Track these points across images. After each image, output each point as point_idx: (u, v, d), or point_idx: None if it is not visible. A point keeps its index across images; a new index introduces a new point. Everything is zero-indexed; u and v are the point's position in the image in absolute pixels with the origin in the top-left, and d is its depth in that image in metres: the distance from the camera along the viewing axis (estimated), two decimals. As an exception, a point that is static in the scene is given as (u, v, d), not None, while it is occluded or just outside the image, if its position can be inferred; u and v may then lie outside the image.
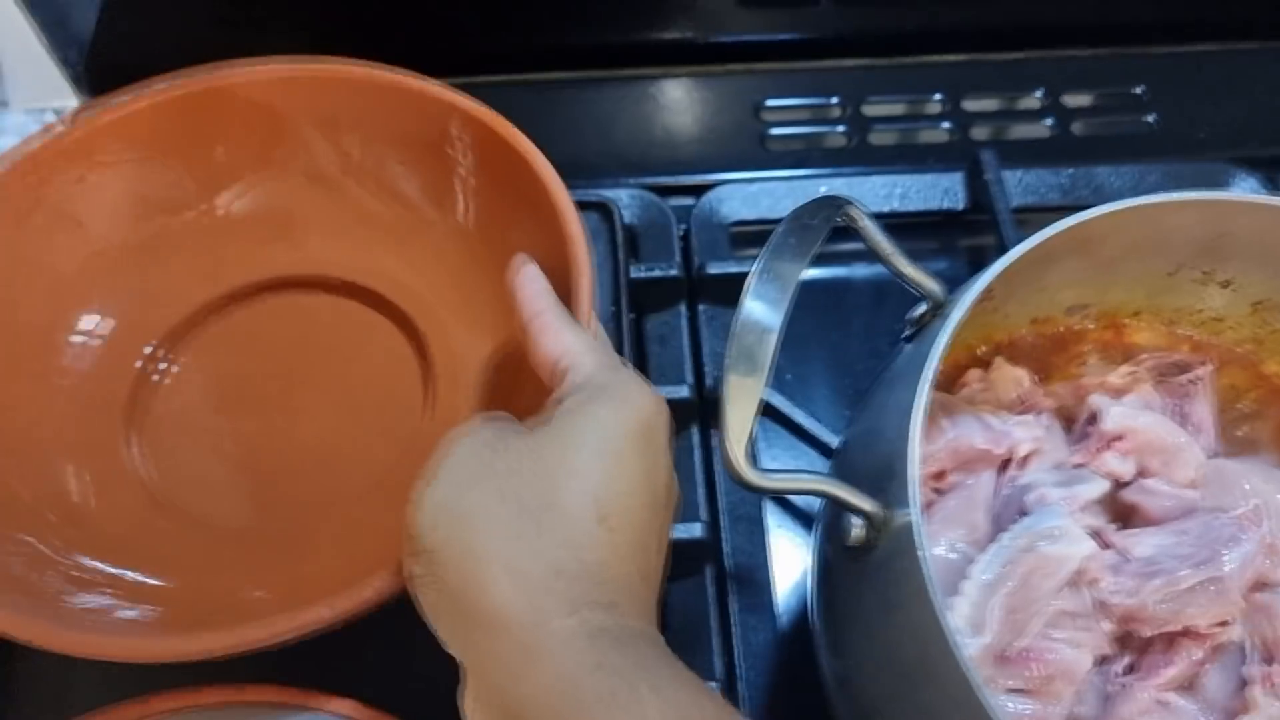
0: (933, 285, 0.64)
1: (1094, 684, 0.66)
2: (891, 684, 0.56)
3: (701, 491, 0.82)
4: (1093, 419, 0.71)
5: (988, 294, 0.73)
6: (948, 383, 0.76)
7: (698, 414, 0.86)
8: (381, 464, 0.78)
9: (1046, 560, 0.61)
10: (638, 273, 0.89)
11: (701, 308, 0.91)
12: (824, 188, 0.98)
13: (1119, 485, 0.71)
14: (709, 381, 0.88)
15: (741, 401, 0.54)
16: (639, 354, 0.89)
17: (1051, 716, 0.61)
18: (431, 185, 0.81)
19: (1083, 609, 0.64)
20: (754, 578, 0.79)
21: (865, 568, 0.57)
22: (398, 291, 0.84)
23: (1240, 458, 0.73)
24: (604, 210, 0.90)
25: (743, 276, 0.90)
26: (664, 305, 0.91)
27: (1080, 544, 0.62)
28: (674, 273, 0.90)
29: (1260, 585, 0.64)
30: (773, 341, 0.55)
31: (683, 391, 0.84)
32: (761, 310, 0.56)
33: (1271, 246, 0.70)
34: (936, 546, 0.64)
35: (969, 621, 0.60)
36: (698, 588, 0.78)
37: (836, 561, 0.61)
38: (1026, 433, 0.69)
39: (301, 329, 0.85)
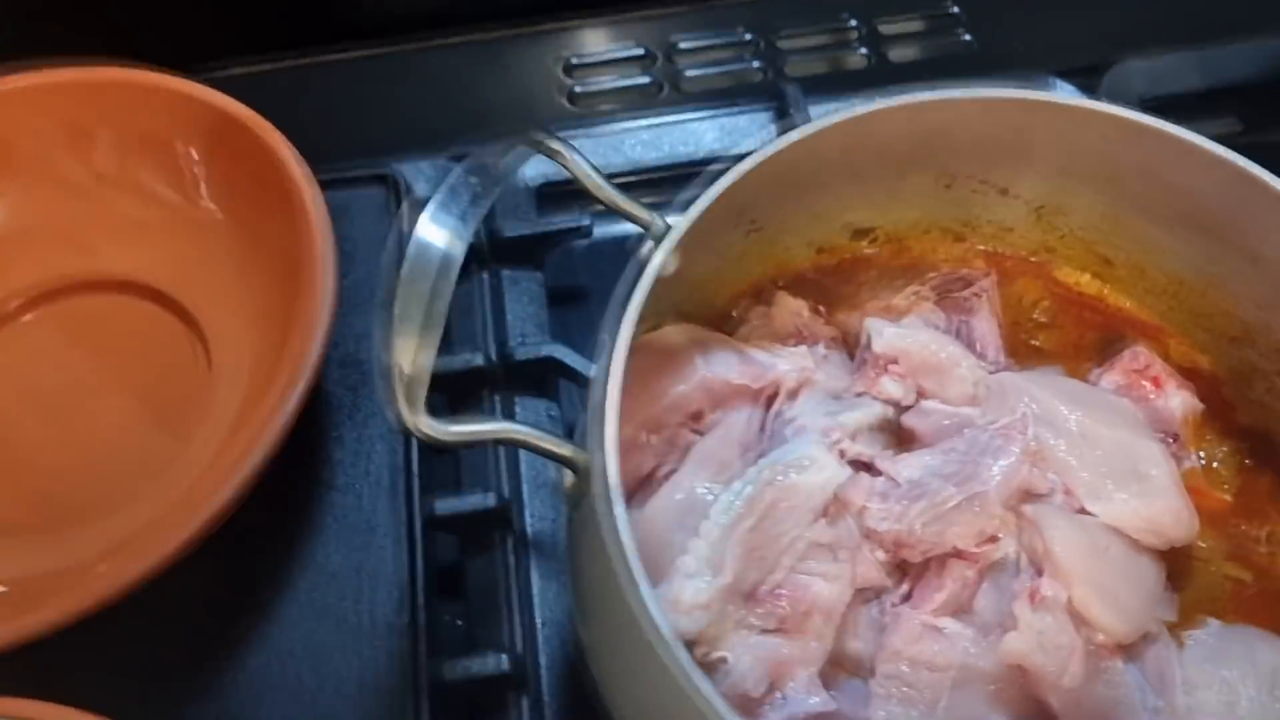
0: (647, 216, 0.60)
1: (871, 617, 0.62)
2: (608, 644, 0.53)
3: (503, 462, 0.79)
4: (869, 344, 0.68)
5: (752, 224, 0.71)
6: (724, 319, 0.73)
7: (501, 380, 0.82)
8: (161, 459, 0.75)
9: (792, 491, 0.58)
10: (430, 242, 0.86)
11: (505, 273, 0.88)
12: (633, 141, 0.95)
13: (902, 410, 0.68)
14: (516, 346, 0.85)
15: (408, 350, 0.51)
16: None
17: (811, 654, 0.58)
18: (178, 179, 0.79)
19: (845, 540, 0.60)
20: (556, 547, 0.76)
21: (581, 520, 0.54)
22: (177, 286, 0.82)
23: (1030, 370, 0.70)
24: (385, 182, 0.87)
25: (544, 237, 0.90)
26: (465, 274, 0.87)
27: (829, 472, 0.59)
28: (468, 238, 0.86)
29: (1028, 497, 0.61)
30: (446, 287, 0.51)
31: (478, 360, 0.81)
32: (433, 252, 0.53)
33: (1030, 145, 0.67)
34: (678, 492, 0.60)
35: (707, 563, 0.57)
36: (495, 558, 0.75)
37: (569, 517, 0.58)
38: (792, 364, 0.66)
39: (89, 330, 0.84)
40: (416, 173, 0.91)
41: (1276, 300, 0.64)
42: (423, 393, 0.51)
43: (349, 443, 0.77)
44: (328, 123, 0.78)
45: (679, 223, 0.58)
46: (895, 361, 0.67)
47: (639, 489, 0.63)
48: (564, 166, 0.59)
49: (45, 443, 0.79)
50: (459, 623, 0.75)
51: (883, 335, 0.67)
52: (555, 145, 0.58)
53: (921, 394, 0.67)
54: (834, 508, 0.60)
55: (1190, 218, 0.66)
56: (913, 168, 0.69)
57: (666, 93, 0.98)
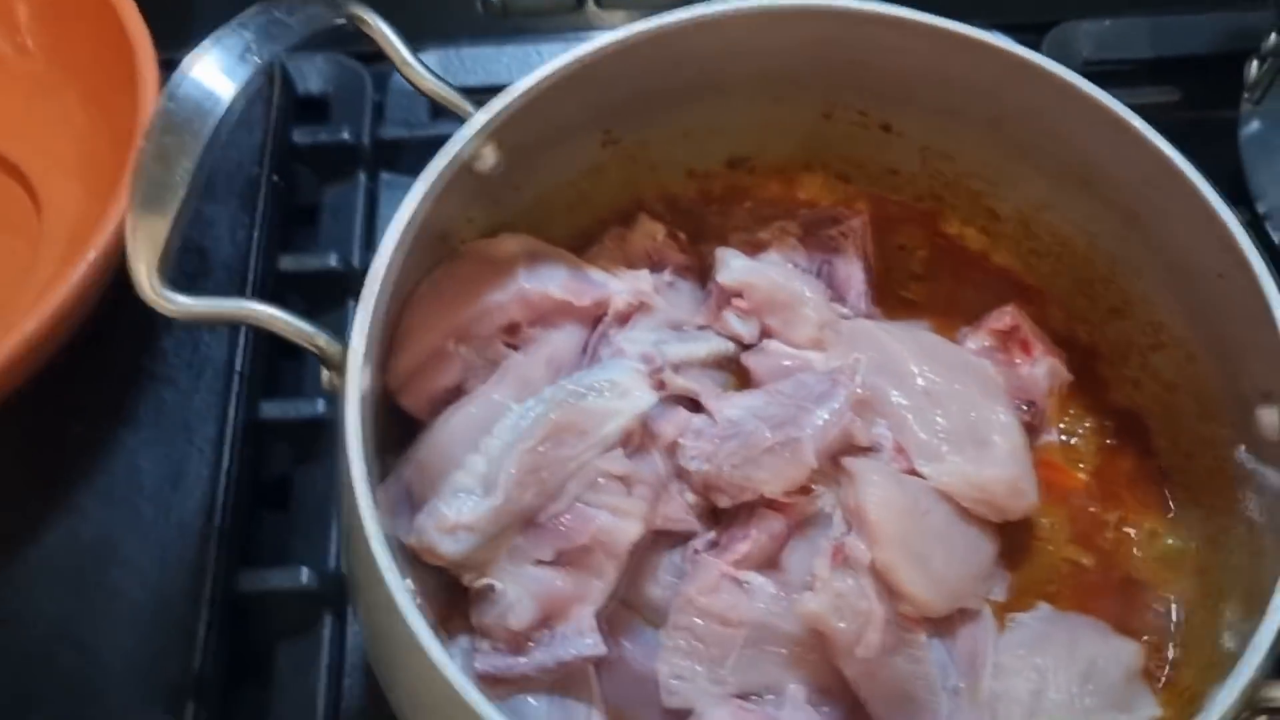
0: (464, 104, 0.55)
1: (675, 563, 0.58)
2: (349, 557, 0.49)
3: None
4: (716, 274, 0.63)
5: (609, 135, 0.66)
6: (592, 243, 0.68)
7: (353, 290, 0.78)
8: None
9: (585, 415, 0.53)
10: (303, 137, 0.81)
11: (384, 177, 0.83)
12: (544, 49, 0.89)
13: (745, 349, 0.63)
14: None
15: (153, 212, 0.46)
16: (310, 226, 0.81)
17: (591, 592, 0.53)
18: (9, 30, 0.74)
19: (645, 475, 0.56)
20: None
21: (336, 419, 0.49)
22: (9, 143, 0.77)
23: (896, 321, 0.65)
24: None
25: (427, 143, 0.85)
26: (344, 175, 0.83)
27: (632, 400, 0.54)
28: (344, 137, 0.81)
29: (851, 450, 0.56)
30: (195, 144, 0.47)
31: (332, 261, 0.76)
32: (192, 102, 0.48)
33: (910, 74, 0.61)
34: (474, 406, 0.56)
35: (482, 481, 0.52)
36: (321, 468, 0.71)
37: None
38: (626, 286, 0.61)
39: None
40: (295, 66, 0.86)
41: (1153, 268, 0.59)
42: (155, 257, 0.46)
43: (177, 332, 0.73)
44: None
45: (489, 108, 0.53)
46: (740, 295, 0.62)
47: (444, 402, 0.59)
48: (378, 44, 0.54)
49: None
50: (283, 534, 0.72)
51: (730, 266, 0.62)
52: (362, 14, 0.53)
53: (766, 333, 0.62)
54: (639, 440, 0.56)
55: (1073, 171, 0.61)
56: (788, 91, 0.64)
57: (590, 10, 0.93)
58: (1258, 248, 0.49)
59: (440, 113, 0.86)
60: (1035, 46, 0.86)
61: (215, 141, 0.48)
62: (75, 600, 0.65)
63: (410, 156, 0.85)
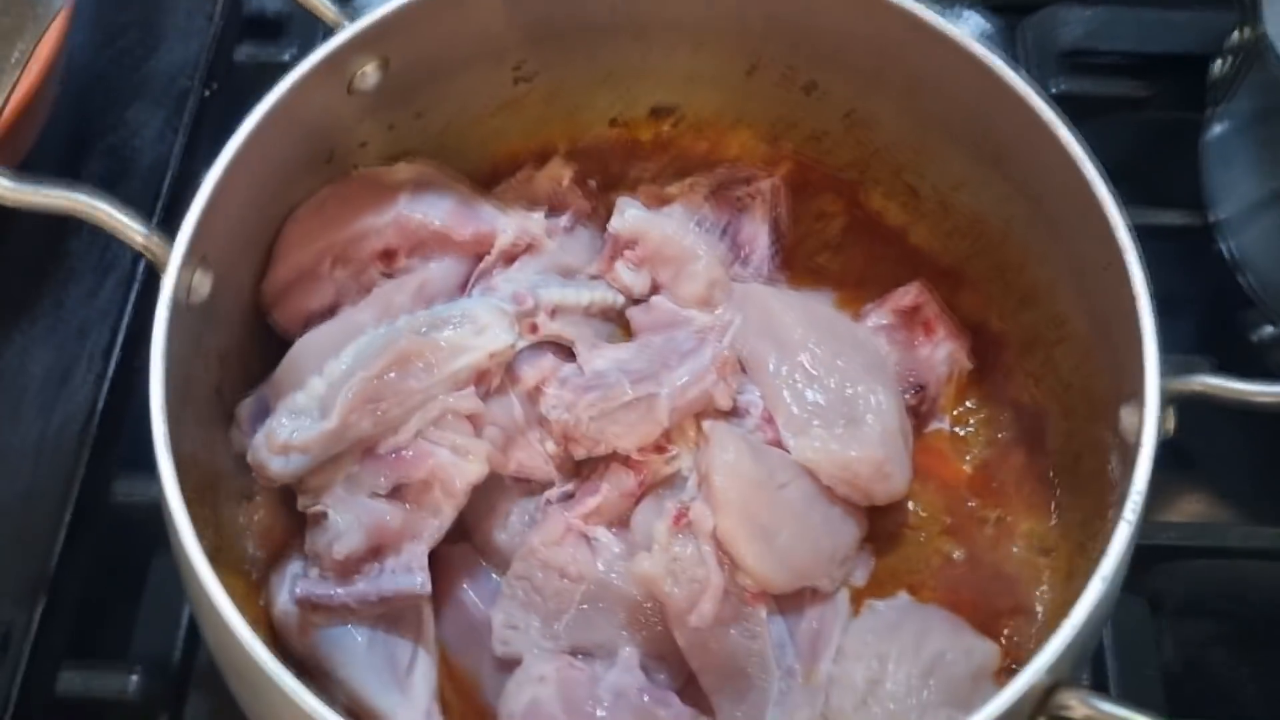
0: (327, 8, 0.53)
1: (527, 512, 0.57)
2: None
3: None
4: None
5: (519, 70, 0.64)
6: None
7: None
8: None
9: (433, 347, 0.52)
10: (246, 55, 0.81)
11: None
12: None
13: (634, 303, 0.61)
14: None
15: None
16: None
17: (424, 529, 0.52)
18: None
19: (498, 417, 0.54)
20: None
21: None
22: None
23: (800, 290, 0.63)
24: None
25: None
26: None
27: (488, 337, 0.53)
28: (285, 59, 0.80)
29: (713, 413, 0.54)
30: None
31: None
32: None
33: (827, 30, 0.59)
34: (336, 328, 0.54)
35: (320, 403, 0.51)
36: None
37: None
38: (514, 223, 0.59)
39: None
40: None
41: (1057, 257, 0.56)
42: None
43: (86, 234, 0.72)
44: None
45: (365, 19, 0.51)
46: (633, 245, 0.60)
47: (316, 322, 0.58)
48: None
49: None
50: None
51: (625, 214, 0.60)
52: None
53: (656, 288, 0.60)
54: (497, 380, 0.54)
55: (988, 151, 0.58)
56: (709, 38, 0.62)
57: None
58: (1134, 240, 0.46)
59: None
60: (1012, 29, 0.85)
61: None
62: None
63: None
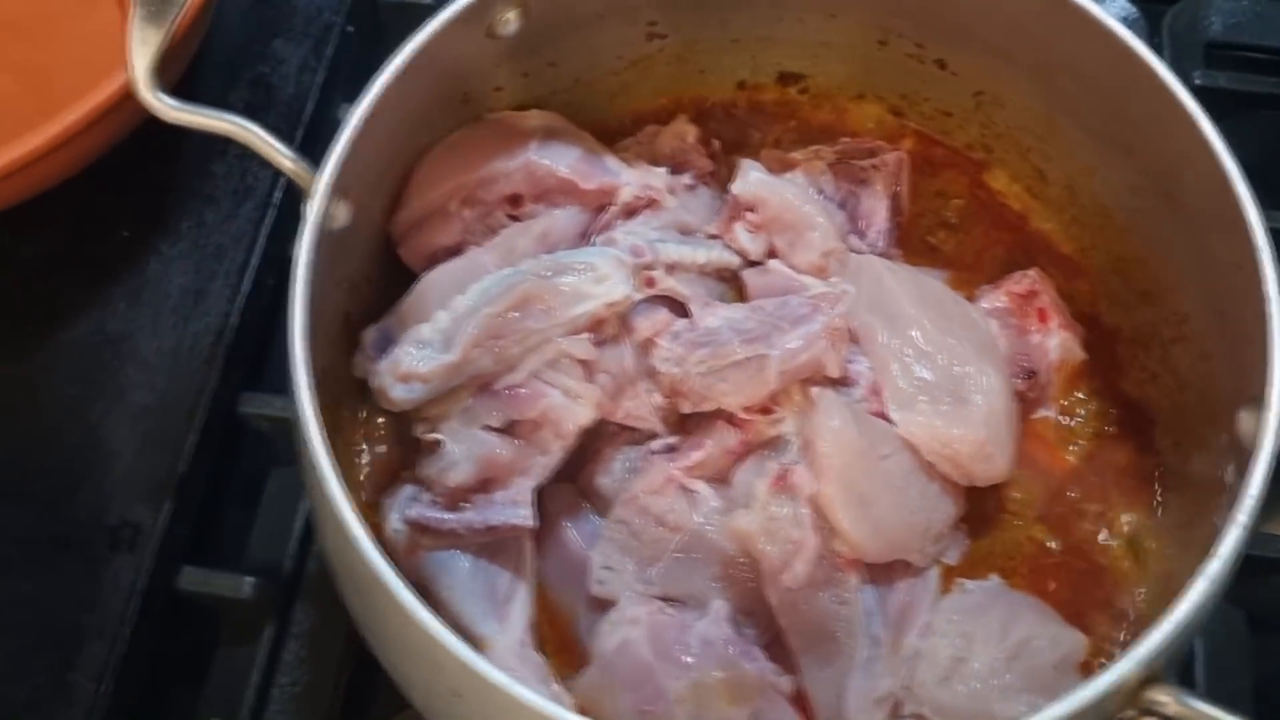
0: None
1: (630, 459, 0.58)
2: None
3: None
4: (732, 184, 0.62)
5: (653, 27, 0.64)
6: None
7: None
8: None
9: (555, 291, 0.53)
10: (388, -8, 0.83)
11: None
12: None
13: (750, 265, 0.62)
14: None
15: (154, 21, 0.48)
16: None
17: (533, 466, 0.54)
18: None
19: (610, 365, 0.56)
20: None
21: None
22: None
23: (910, 264, 0.63)
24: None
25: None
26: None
27: (607, 287, 0.54)
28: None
29: (821, 380, 0.55)
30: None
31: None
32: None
33: (967, 10, 0.58)
34: (460, 267, 0.56)
35: (442, 336, 0.53)
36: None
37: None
38: (637, 177, 0.60)
39: None
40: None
41: (1184, 253, 0.55)
42: (151, 61, 0.48)
43: (230, 159, 0.75)
44: None
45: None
46: (753, 209, 0.61)
47: (440, 260, 0.60)
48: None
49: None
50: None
51: (747, 177, 0.61)
52: None
53: (772, 253, 0.61)
54: (613, 329, 0.56)
55: (1120, 137, 0.57)
56: (842, 8, 0.62)
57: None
58: (1270, 242, 0.45)
59: None
60: (1157, 17, 0.82)
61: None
62: (90, 385, 0.69)
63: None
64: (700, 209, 0.63)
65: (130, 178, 0.74)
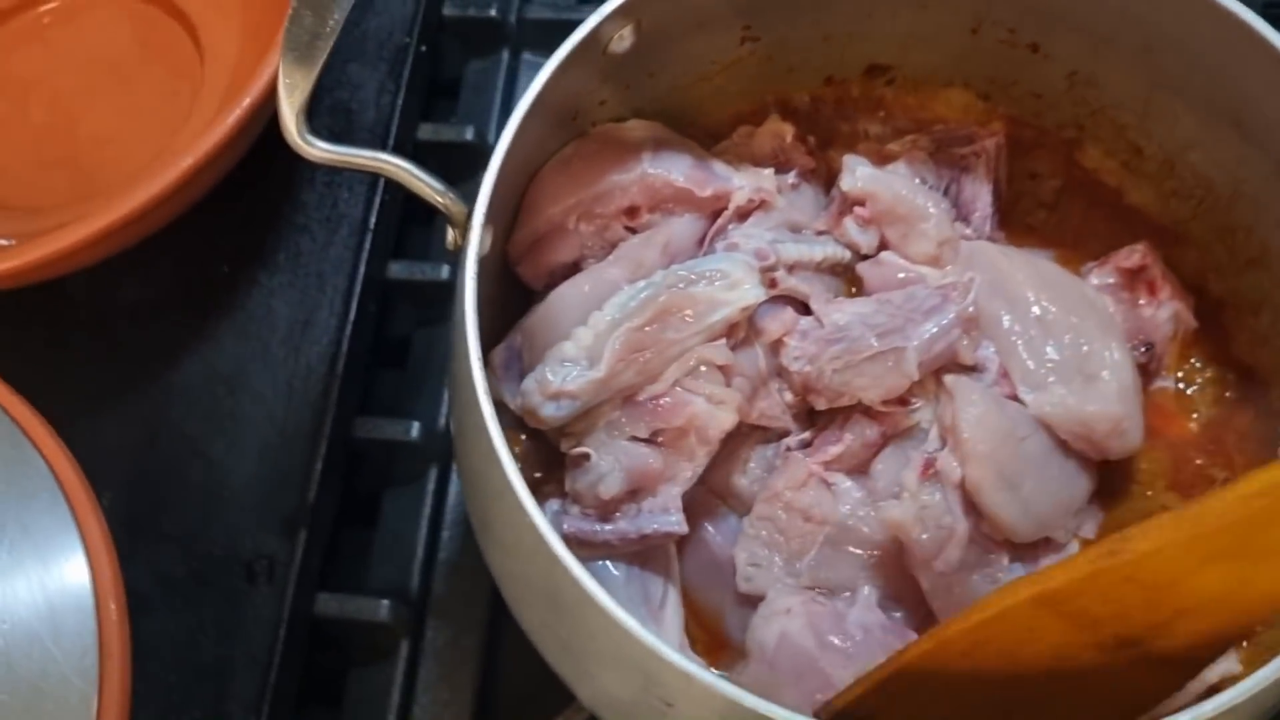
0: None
1: (765, 458, 0.59)
2: (458, 417, 0.51)
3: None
4: (841, 180, 0.63)
5: (748, 31, 0.65)
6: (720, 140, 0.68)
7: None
8: (152, 148, 0.77)
9: (692, 301, 0.54)
10: (453, 9, 0.83)
11: (525, 56, 0.85)
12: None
13: (861, 259, 0.63)
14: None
15: (303, 62, 0.48)
16: (451, 98, 0.83)
17: (679, 473, 0.55)
18: None
19: (745, 369, 0.57)
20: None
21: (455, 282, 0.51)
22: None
23: (1017, 246, 0.64)
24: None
25: (574, 24, 0.86)
26: (486, 50, 0.84)
27: (740, 292, 0.55)
28: (492, 14, 0.83)
29: (954, 367, 0.56)
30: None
31: (469, 135, 0.78)
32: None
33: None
34: (587, 283, 0.57)
35: (586, 352, 0.54)
36: (440, 332, 0.74)
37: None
38: (749, 181, 0.61)
39: (82, 30, 0.83)
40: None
41: (1299, 218, 0.57)
42: (302, 104, 0.49)
43: (319, 187, 0.76)
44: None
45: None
46: (863, 203, 0.62)
47: (560, 276, 0.61)
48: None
49: (52, 131, 0.80)
50: (398, 390, 0.75)
51: (855, 173, 0.62)
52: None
53: (884, 245, 0.62)
54: (743, 333, 0.57)
55: (1228, 110, 0.58)
56: (931, 1, 0.63)
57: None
58: None
59: (588, -6, 0.87)
60: None
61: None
62: (208, 423, 0.70)
63: (554, 38, 0.85)
64: (807, 206, 0.64)
65: (222, 215, 0.74)
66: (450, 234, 0.52)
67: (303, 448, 0.68)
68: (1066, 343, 0.57)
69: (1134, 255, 0.62)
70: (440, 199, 0.50)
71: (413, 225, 0.79)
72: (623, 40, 0.56)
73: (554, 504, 0.57)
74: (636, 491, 0.56)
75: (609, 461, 0.55)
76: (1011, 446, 0.54)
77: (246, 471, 0.68)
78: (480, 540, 0.54)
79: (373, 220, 0.74)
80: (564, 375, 0.54)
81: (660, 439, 0.55)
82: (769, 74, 0.68)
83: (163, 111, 0.77)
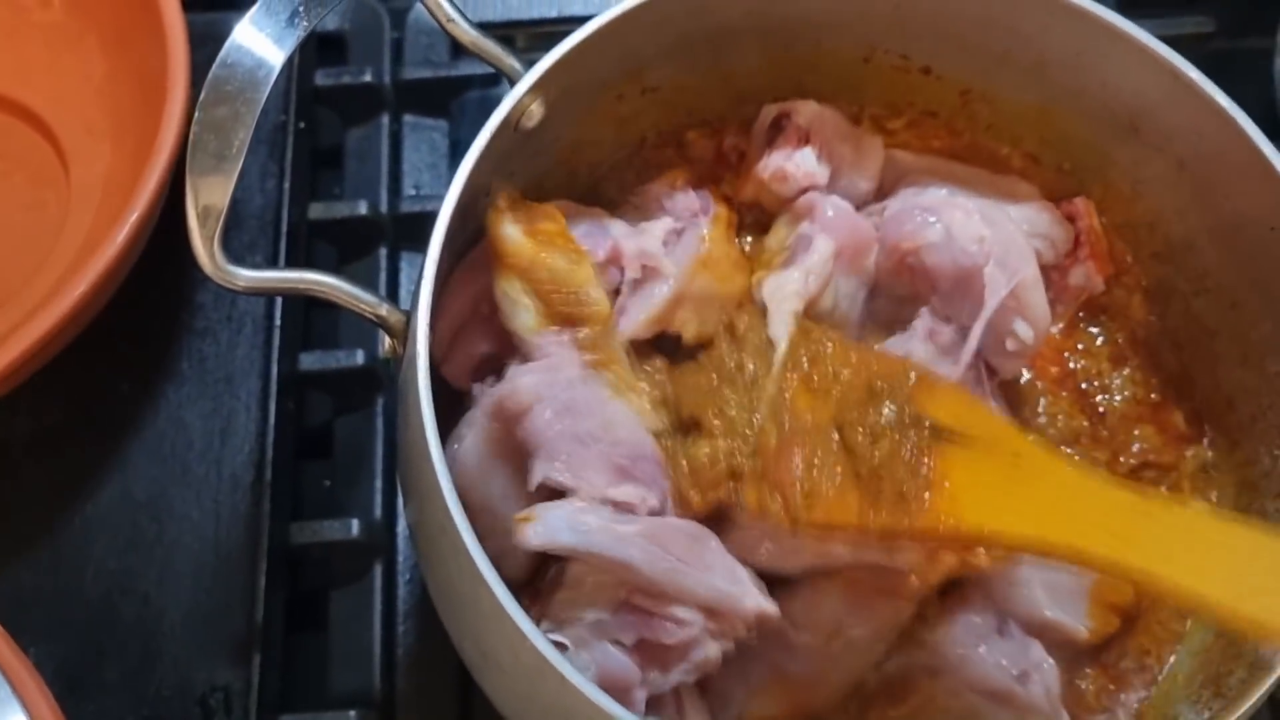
0: (509, 60, 0.54)
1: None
2: (418, 516, 0.49)
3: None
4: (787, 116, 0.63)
5: (648, 85, 0.65)
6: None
7: (389, 234, 0.77)
8: (29, 262, 0.72)
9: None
10: (326, 79, 0.80)
11: (407, 119, 0.82)
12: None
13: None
14: (407, 198, 0.79)
15: (211, 187, 0.46)
16: (335, 168, 0.80)
17: (652, 683, 0.52)
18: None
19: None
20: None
21: (400, 388, 0.50)
22: (36, 98, 0.76)
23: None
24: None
25: (450, 84, 0.84)
26: (367, 117, 0.81)
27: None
28: (367, 79, 0.80)
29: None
30: (249, 112, 0.46)
31: (362, 209, 0.76)
32: (243, 67, 0.47)
33: (956, 18, 0.60)
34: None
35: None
36: (362, 418, 0.72)
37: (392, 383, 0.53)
38: (638, 243, 0.59)
39: None
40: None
41: (1199, 215, 0.59)
42: (216, 231, 0.46)
43: (214, 286, 0.71)
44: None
45: (540, 68, 0.52)
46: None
47: (482, 371, 0.59)
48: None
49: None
50: (326, 483, 0.73)
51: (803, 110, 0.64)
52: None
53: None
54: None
55: (1121, 118, 0.60)
56: (827, 37, 0.63)
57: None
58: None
59: (461, 51, 0.85)
60: None
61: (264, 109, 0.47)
62: (133, 555, 0.66)
63: (433, 97, 0.83)
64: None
65: (114, 330, 0.69)
66: (387, 343, 0.50)
67: (241, 566, 0.65)
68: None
69: (1077, 206, 0.63)
70: (374, 312, 0.48)
71: (316, 311, 0.76)
72: (533, 116, 0.55)
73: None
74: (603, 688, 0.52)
75: (584, 659, 0.51)
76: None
77: (184, 600, 0.64)
78: (465, 655, 0.52)
79: (278, 315, 0.71)
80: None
81: (644, 649, 0.52)
82: (669, 114, 0.67)
83: (29, 224, 0.72)
